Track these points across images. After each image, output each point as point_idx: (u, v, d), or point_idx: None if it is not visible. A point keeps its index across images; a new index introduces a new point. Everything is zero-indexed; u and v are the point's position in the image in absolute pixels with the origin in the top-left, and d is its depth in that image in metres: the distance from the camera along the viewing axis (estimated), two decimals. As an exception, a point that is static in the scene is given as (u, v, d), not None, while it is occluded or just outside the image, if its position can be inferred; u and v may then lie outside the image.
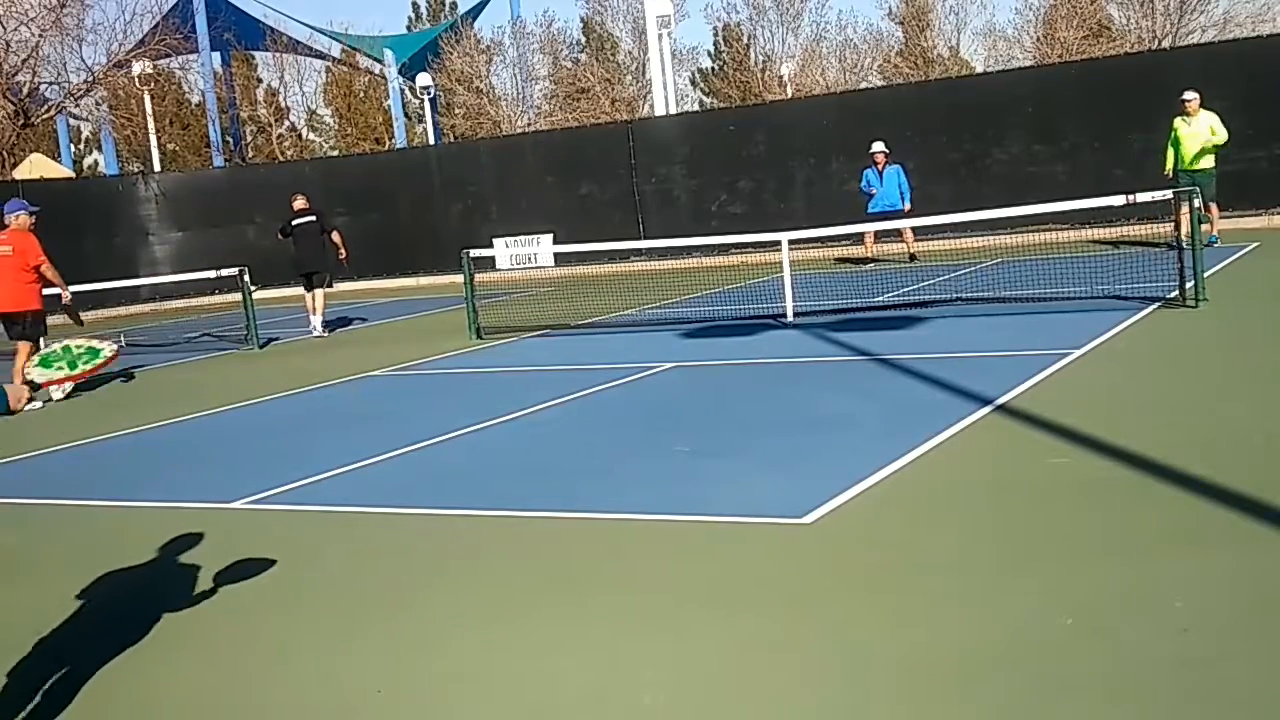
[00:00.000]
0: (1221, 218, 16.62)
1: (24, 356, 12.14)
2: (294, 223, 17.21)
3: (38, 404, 11.76)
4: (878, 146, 18.66)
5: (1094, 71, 22.26)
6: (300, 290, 17.99)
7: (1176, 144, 15.99)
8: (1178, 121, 16.01)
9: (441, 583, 5.24)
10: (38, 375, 5.31)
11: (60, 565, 6.22)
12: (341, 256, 17.14)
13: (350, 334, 16.94)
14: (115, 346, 5.47)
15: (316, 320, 16.81)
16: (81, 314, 13.45)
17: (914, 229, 18.20)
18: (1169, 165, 15.98)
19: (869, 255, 18.93)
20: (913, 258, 18.70)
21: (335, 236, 17.15)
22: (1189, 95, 15.95)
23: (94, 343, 5.49)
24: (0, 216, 12.74)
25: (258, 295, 16.36)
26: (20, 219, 12.48)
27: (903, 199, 18.43)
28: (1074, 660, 3.76)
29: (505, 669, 4.19)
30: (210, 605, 5.24)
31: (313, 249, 17.05)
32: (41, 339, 12.27)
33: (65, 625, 5.18)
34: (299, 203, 17.45)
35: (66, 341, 5.54)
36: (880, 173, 18.60)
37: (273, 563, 5.88)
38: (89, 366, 5.43)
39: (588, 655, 4.26)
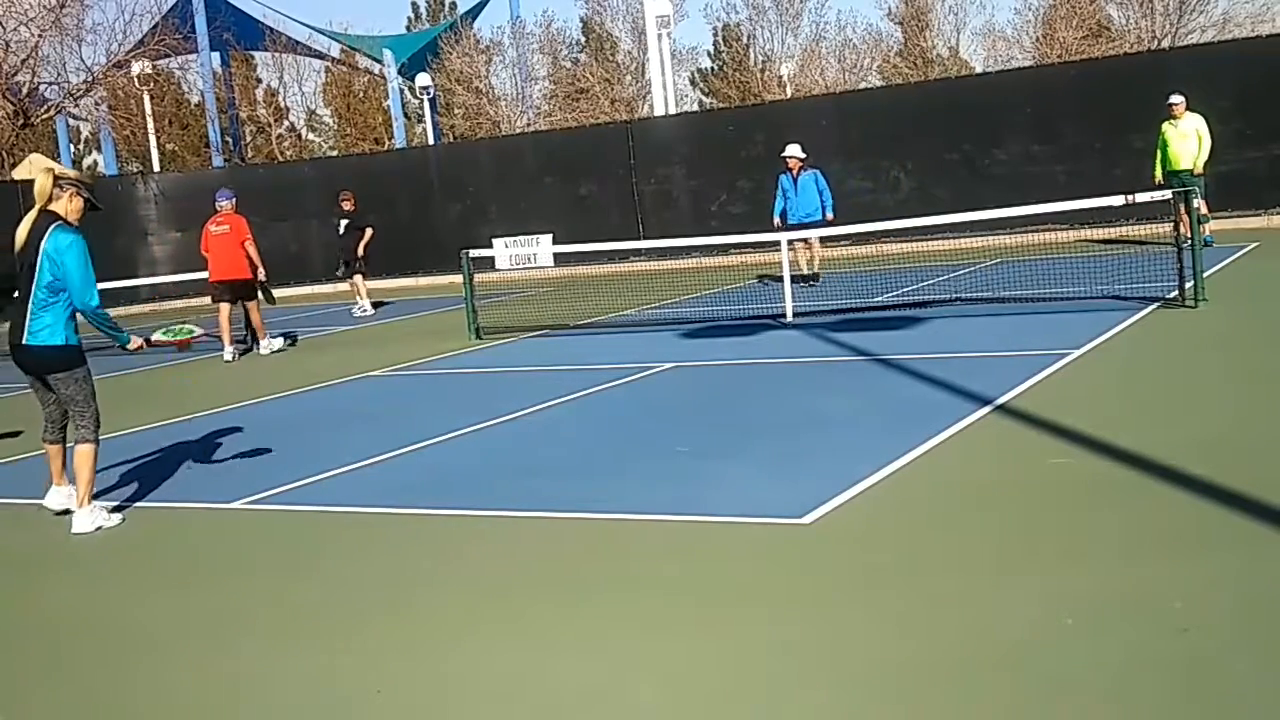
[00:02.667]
0: (1221, 218, 16.64)
1: (257, 316, 15.16)
2: (342, 221, 19.48)
3: (280, 343, 15.39)
4: (792, 149, 16.45)
5: (1093, 72, 22.26)
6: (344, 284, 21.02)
7: (1164, 146, 15.98)
8: (1165, 125, 16.01)
9: (441, 582, 5.24)
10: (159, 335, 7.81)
11: (59, 566, 6.22)
12: (360, 255, 19.37)
13: (350, 334, 16.94)
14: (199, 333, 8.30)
15: (365, 303, 19.47)
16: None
17: (827, 240, 15.73)
18: (1158, 172, 15.96)
19: (805, 270, 16.44)
20: (815, 278, 16.24)
21: (364, 236, 19.29)
22: (1175, 99, 15.92)
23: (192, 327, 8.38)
24: (212, 203, 15.34)
25: (257, 295, 16.36)
26: (234, 203, 15.25)
27: (823, 209, 16.24)
28: (1074, 660, 3.76)
29: (505, 669, 4.19)
30: (208, 605, 5.24)
31: (354, 244, 19.29)
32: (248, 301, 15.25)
33: (65, 626, 5.18)
34: (347, 204, 19.48)
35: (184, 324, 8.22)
36: (795, 179, 16.38)
37: (272, 563, 5.88)
38: (180, 338, 7.96)
39: (587, 655, 4.25)
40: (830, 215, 16.25)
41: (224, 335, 14.72)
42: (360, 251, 19.11)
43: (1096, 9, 38.36)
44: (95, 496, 6.84)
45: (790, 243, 15.67)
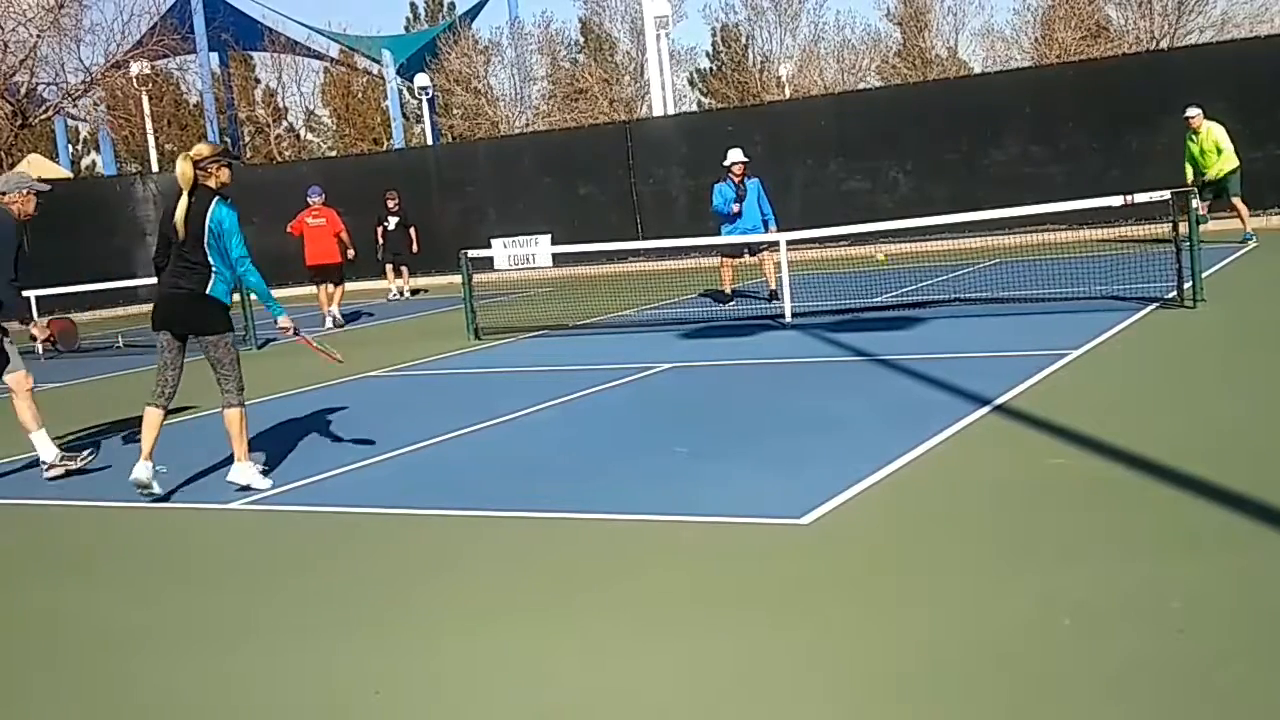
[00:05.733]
0: (1220, 218, 16.67)
1: (340, 294, 18.06)
2: (392, 218, 22.10)
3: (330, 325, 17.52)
4: (735, 155, 14.77)
5: (1092, 72, 22.28)
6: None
7: (1193, 160, 16.13)
8: (1188, 140, 16.23)
9: (440, 583, 5.24)
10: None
11: (58, 566, 6.22)
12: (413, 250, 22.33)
13: (350, 334, 16.94)
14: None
15: (405, 286, 22.53)
16: (82, 313, 16.47)
17: (777, 253, 13.43)
18: (1190, 177, 16.09)
19: (727, 289, 15.30)
20: (773, 295, 14.49)
21: (412, 231, 22.22)
22: (1192, 112, 15.94)
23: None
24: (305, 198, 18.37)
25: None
26: (324, 198, 18.25)
27: (765, 222, 14.84)
28: (1074, 660, 3.76)
29: (504, 669, 4.19)
30: (207, 605, 5.24)
31: (400, 238, 22.04)
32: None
33: (63, 626, 5.18)
34: (393, 202, 22.11)
35: None
36: (738, 189, 14.77)
37: (272, 563, 5.89)
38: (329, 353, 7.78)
39: (586, 655, 4.26)
40: (774, 228, 14.75)
41: (324, 308, 17.90)
42: (415, 247, 21.90)
43: (1095, 9, 38.41)
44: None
45: (744, 253, 14.94)
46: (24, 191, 8.15)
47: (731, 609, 4.56)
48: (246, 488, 7.18)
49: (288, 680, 4.31)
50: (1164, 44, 34.95)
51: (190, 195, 7.10)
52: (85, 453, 8.36)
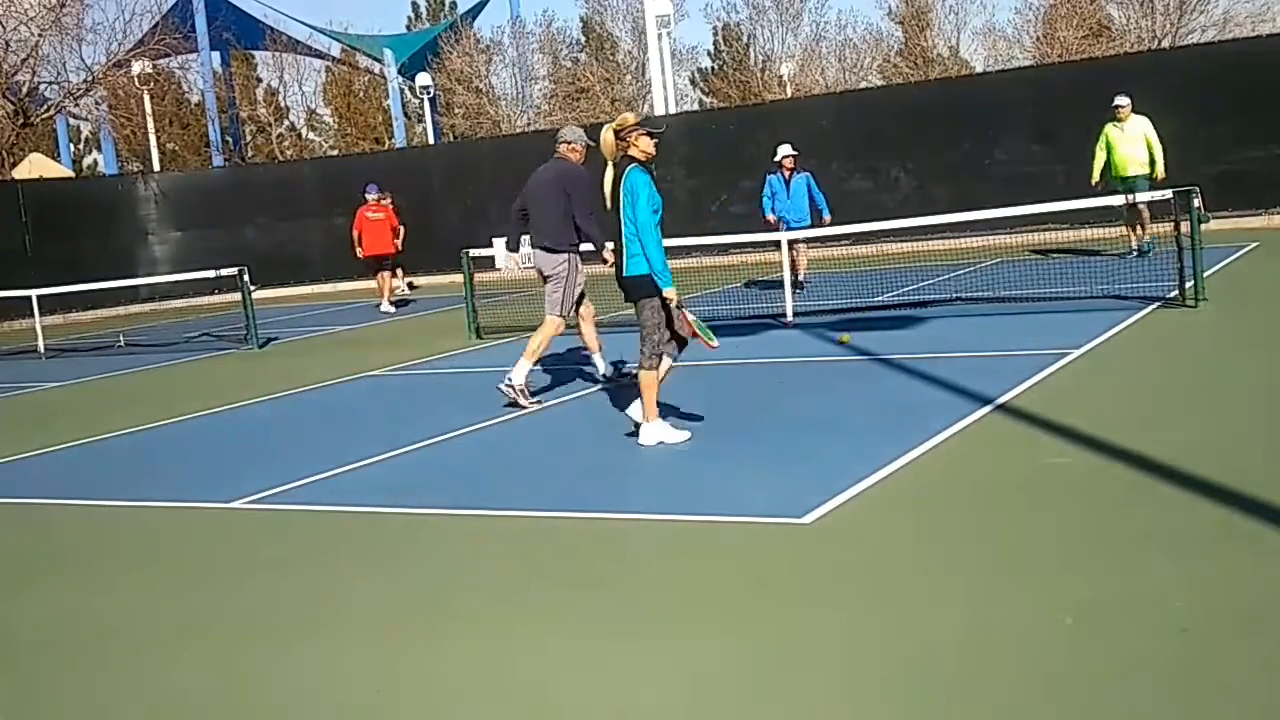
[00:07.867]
0: (1221, 218, 16.57)
1: (388, 281, 20.07)
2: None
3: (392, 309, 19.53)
4: (784, 150, 15.54)
5: (1093, 71, 22.25)
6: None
7: (1110, 150, 15.50)
8: (1109, 128, 15.52)
9: (441, 582, 5.24)
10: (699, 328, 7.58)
11: (60, 565, 6.22)
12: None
13: (350, 333, 16.94)
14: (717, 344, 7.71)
15: (402, 283, 23.10)
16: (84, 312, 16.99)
17: (814, 244, 14.24)
18: (1096, 174, 15.52)
19: (801, 275, 15.62)
20: (800, 285, 15.16)
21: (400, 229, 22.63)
22: (1121, 100, 15.42)
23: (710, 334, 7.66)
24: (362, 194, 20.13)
25: (257, 295, 16.39)
26: (379, 194, 20.10)
27: (819, 212, 15.33)
28: (1074, 660, 3.76)
29: (504, 669, 4.19)
30: (208, 605, 5.25)
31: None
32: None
33: (65, 626, 5.18)
34: (385, 202, 22.36)
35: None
36: (788, 182, 15.43)
37: (272, 563, 5.89)
38: (705, 337, 7.57)
39: (586, 655, 4.26)
40: (827, 217, 15.25)
41: (383, 292, 19.80)
42: (399, 244, 21.89)
43: (1097, 9, 38.39)
44: None
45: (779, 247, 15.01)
46: (576, 144, 10.15)
47: (731, 608, 4.56)
48: (659, 444, 7.35)
49: (287, 679, 4.31)
50: (1165, 43, 34.94)
51: (615, 166, 7.49)
52: (535, 399, 9.20)
